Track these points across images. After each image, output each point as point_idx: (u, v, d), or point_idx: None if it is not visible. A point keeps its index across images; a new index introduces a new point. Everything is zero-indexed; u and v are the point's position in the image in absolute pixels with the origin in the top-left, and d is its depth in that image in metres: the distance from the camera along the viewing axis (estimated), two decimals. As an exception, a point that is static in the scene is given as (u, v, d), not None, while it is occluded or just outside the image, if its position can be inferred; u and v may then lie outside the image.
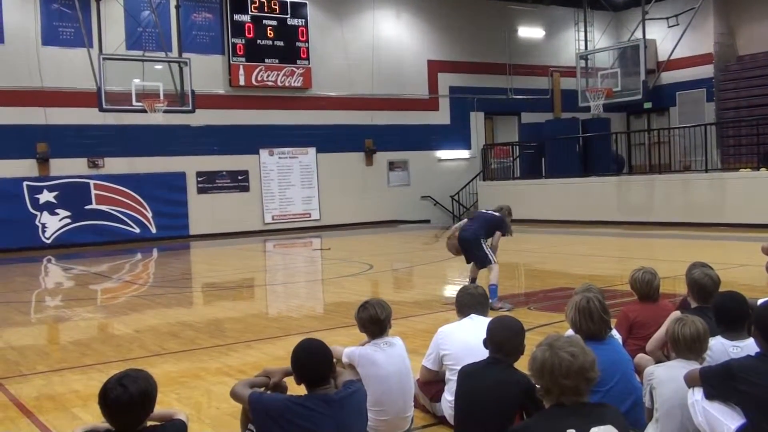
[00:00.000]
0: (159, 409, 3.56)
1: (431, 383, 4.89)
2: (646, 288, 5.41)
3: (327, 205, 24.15)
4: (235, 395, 3.73)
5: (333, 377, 3.86)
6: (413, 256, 16.15)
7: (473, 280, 9.43)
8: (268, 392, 3.82)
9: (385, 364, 4.46)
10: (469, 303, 4.94)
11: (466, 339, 4.63)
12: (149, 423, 3.28)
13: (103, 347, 7.66)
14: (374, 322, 4.54)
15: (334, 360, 4.80)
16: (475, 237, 9.12)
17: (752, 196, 17.23)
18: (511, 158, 25.55)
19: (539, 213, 22.24)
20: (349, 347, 4.70)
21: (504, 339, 3.92)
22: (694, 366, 3.78)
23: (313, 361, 3.57)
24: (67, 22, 20.15)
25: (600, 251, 15.54)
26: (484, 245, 9.05)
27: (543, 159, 24.13)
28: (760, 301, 5.32)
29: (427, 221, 25.32)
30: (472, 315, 4.87)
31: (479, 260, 9.14)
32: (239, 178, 22.86)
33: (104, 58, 17.41)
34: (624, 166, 24.14)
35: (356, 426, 3.60)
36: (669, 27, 24.61)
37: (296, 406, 3.46)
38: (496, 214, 9.28)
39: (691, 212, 18.70)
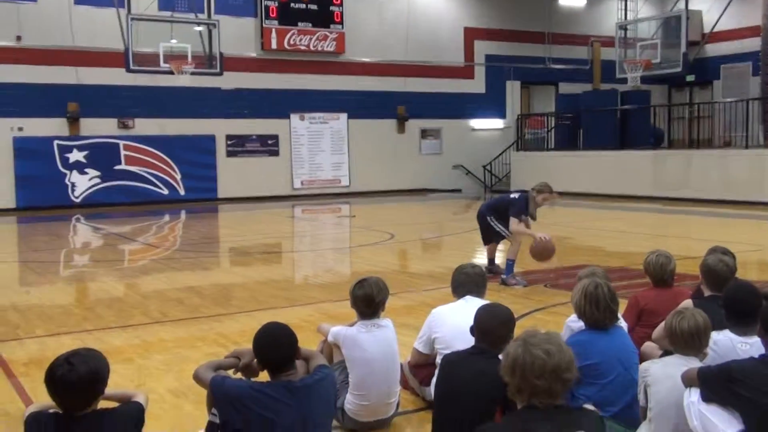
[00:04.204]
0: (116, 389, 3.39)
1: (422, 366, 4.66)
2: (660, 272, 5.11)
3: (357, 172, 23.90)
4: (197, 378, 3.54)
5: (305, 360, 3.65)
6: (440, 227, 15.88)
7: (491, 260, 9.14)
8: (234, 376, 3.61)
9: (371, 346, 4.23)
10: (464, 283, 4.68)
11: (458, 322, 4.35)
12: (102, 405, 3.10)
13: (106, 312, 7.54)
14: (367, 302, 4.30)
15: (322, 339, 4.66)
16: (482, 214, 8.90)
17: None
18: (546, 129, 24.99)
19: (572, 185, 21.72)
20: (337, 326, 4.49)
21: (490, 328, 3.65)
22: (692, 362, 3.48)
23: (275, 345, 3.36)
24: (100, -19, 19.99)
25: (631, 227, 15.11)
26: (492, 222, 8.74)
27: (580, 131, 23.57)
28: (781, 291, 5.00)
29: (459, 191, 24.98)
30: (467, 296, 4.61)
31: (494, 236, 8.83)
32: (269, 142, 22.68)
33: (132, 19, 17.22)
34: (663, 140, 23.47)
35: (321, 415, 3.38)
36: (715, -3, 23.71)
37: (257, 392, 3.26)
38: (514, 195, 8.87)
39: (728, 189, 18.12)
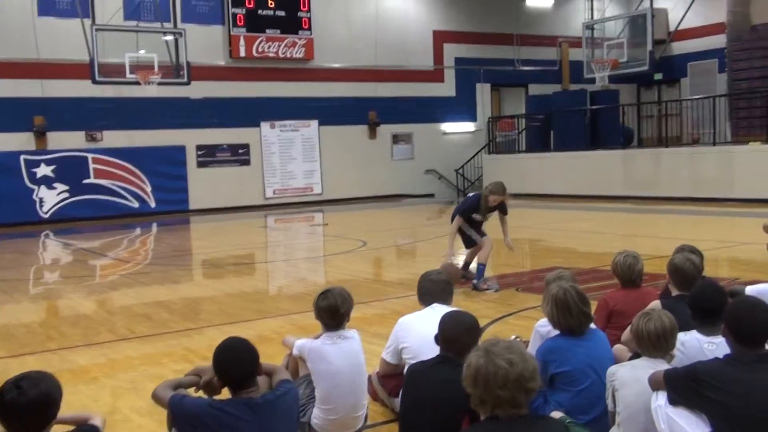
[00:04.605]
0: (71, 412, 3.29)
1: (391, 377, 4.59)
2: (628, 273, 5.09)
3: (329, 179, 23.79)
4: (156, 398, 3.44)
5: (268, 375, 3.58)
6: (413, 233, 15.84)
7: (466, 265, 9.07)
8: (194, 394, 3.52)
9: (336, 359, 4.15)
10: (430, 290, 4.62)
11: (425, 331, 4.27)
12: (57, 429, 3.00)
13: (71, 330, 7.40)
14: (332, 313, 4.21)
15: (288, 352, 4.57)
16: (453, 218, 8.89)
17: (761, 170, 16.73)
18: (517, 131, 25.06)
19: (544, 187, 21.85)
20: (302, 339, 4.41)
21: (454, 336, 3.59)
22: (660, 365, 3.45)
23: (235, 362, 3.27)
24: (63, -8, 19.75)
25: (603, 227, 15.18)
26: (462, 227, 8.72)
27: (550, 132, 23.65)
28: (748, 289, 5.00)
29: (432, 195, 24.96)
30: (434, 304, 4.55)
31: (465, 241, 8.81)
32: (240, 151, 22.51)
33: (97, 29, 17.02)
34: (632, 139, 23.61)
35: (283, 431, 3.29)
36: (679, -5, 23.92)
37: (216, 410, 3.17)
38: (471, 195, 8.95)
39: (698, 187, 18.25)
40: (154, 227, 18.92)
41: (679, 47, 25.74)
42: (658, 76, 24.66)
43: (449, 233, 8.78)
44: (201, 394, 3.63)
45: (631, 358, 4.07)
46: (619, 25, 22.76)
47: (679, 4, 24.20)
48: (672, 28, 25.13)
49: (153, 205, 21.13)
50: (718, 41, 24.82)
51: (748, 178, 17.18)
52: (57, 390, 2.96)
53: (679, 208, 17.12)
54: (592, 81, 21.81)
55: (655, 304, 4.56)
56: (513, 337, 5.59)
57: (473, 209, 8.56)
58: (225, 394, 3.45)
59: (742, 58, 24.01)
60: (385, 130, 24.74)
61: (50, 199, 19.88)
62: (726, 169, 17.93)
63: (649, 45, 19.96)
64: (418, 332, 4.33)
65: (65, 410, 3.06)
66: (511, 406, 2.61)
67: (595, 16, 23.34)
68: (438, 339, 3.68)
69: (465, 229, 8.67)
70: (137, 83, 17.66)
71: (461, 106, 26.09)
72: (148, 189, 21.11)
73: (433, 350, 3.84)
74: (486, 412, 2.66)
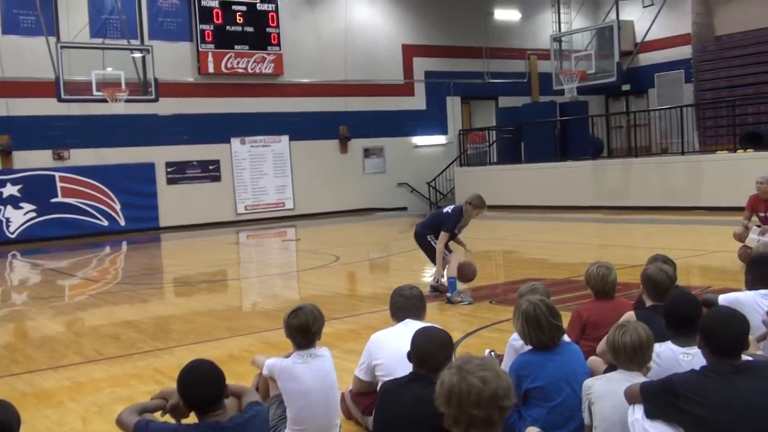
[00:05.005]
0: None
1: (364, 395, 4.50)
2: (601, 284, 5.05)
3: (301, 194, 23.68)
4: (120, 423, 3.32)
5: (237, 397, 3.48)
6: (386, 246, 15.76)
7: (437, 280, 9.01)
8: (160, 419, 3.41)
9: (307, 378, 4.06)
10: (402, 306, 4.54)
11: (399, 347, 4.19)
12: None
13: (36, 353, 7.22)
14: (303, 332, 4.12)
15: (258, 372, 4.47)
16: (420, 234, 8.88)
17: (728, 178, 16.88)
18: (487, 143, 25.13)
19: (516, 198, 21.89)
20: (272, 358, 4.31)
21: (427, 353, 3.51)
22: (636, 377, 3.41)
23: (199, 384, 3.17)
24: (28, 10, 19.46)
25: (575, 238, 15.21)
26: (432, 242, 8.69)
27: (521, 144, 23.75)
28: (721, 298, 4.99)
29: (404, 208, 24.93)
30: (407, 320, 4.47)
31: (431, 256, 8.78)
32: (210, 167, 22.34)
33: (62, 47, 16.82)
34: (603, 150, 23.79)
35: (253, 455, 3.20)
36: (644, 7, 24.22)
37: (182, 436, 3.07)
38: (447, 210, 8.86)
39: (668, 196, 18.39)
40: (124, 245, 18.67)
41: (646, 58, 26.01)
42: (625, 87, 24.88)
43: (437, 253, 8.65)
44: (168, 418, 3.52)
45: (606, 371, 4.03)
46: (586, 38, 22.96)
47: (644, 16, 24.50)
48: (638, 39, 25.41)
49: (122, 223, 20.87)
50: (684, 52, 25.17)
51: (716, 187, 17.33)
52: (14, 419, 2.86)
53: (650, 217, 17.22)
54: (561, 93, 21.97)
55: (630, 315, 4.52)
56: (487, 351, 5.53)
57: (457, 224, 8.57)
58: (194, 418, 3.35)
59: (708, 68, 24.38)
60: (356, 145, 24.70)
61: (17, 218, 19.55)
62: (695, 178, 18.09)
63: (616, 56, 20.15)
64: (392, 349, 4.25)
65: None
66: (485, 425, 2.55)
67: (563, 29, 23.57)
68: (410, 356, 3.60)
69: (432, 242, 8.64)
70: (104, 101, 17.45)
71: (432, 120, 26.14)
72: (117, 207, 20.85)
73: (406, 367, 3.76)
74: (460, 431, 2.60)
